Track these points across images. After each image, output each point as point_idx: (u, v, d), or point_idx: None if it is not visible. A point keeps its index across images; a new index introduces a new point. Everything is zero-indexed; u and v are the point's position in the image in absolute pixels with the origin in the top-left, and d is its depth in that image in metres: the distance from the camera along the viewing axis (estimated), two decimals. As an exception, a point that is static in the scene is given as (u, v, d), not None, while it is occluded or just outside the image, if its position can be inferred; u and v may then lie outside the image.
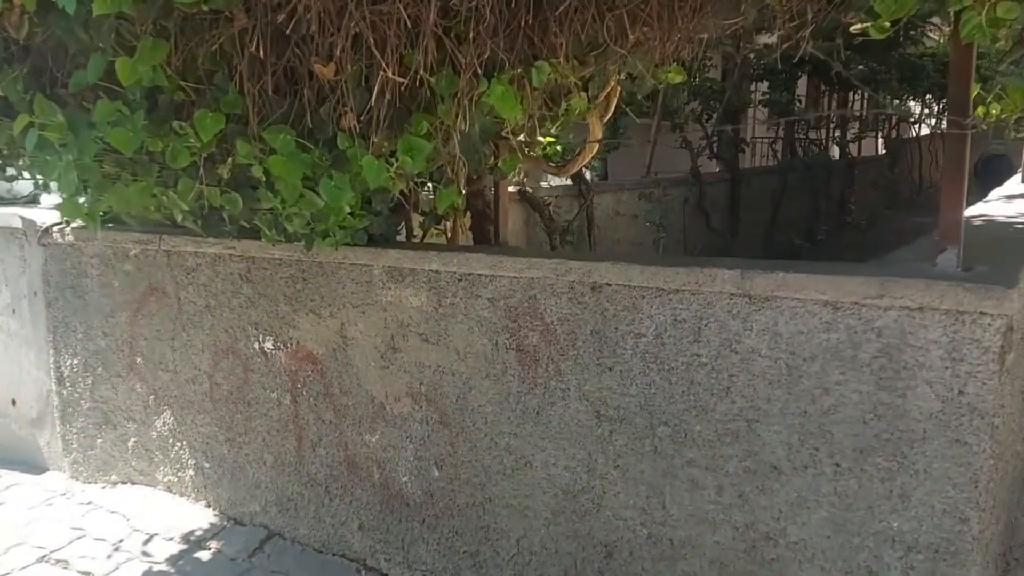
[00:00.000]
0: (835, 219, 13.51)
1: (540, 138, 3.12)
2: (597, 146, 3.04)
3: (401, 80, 2.21)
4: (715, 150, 10.38)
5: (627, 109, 8.34)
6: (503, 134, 2.77)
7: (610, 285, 2.70)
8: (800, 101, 13.12)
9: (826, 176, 12.97)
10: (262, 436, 3.59)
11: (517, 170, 3.28)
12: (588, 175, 8.83)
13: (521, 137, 3.36)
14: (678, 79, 2.67)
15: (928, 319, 2.23)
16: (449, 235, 3.59)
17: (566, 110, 2.72)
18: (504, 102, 2.26)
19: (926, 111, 18.66)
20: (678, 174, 9.64)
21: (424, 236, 3.64)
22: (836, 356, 2.35)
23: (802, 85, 14.16)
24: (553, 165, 3.24)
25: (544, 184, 7.54)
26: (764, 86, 12.02)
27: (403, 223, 3.42)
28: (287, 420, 3.50)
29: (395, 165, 2.35)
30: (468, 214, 3.55)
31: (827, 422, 2.38)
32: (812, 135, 13.64)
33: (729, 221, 10.19)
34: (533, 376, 2.88)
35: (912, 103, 18.19)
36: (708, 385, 2.56)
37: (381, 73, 2.19)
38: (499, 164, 2.92)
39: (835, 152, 14.25)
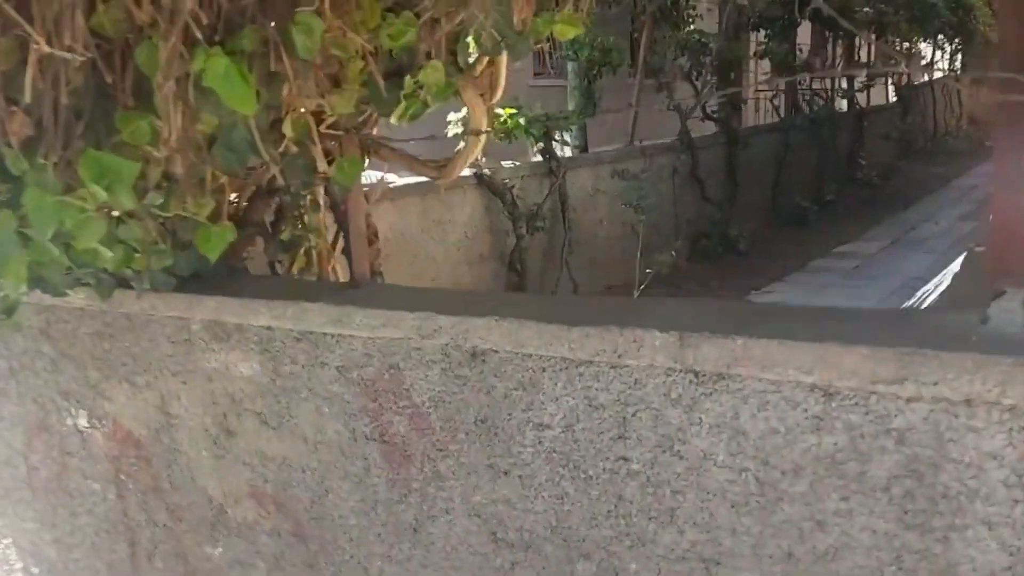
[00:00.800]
0: (844, 176, 12.52)
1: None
2: (484, 140, 2.14)
3: (71, 56, 1.31)
4: (707, 111, 9.37)
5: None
6: (338, 127, 1.85)
7: (496, 352, 1.81)
8: (801, 50, 12.09)
9: (833, 130, 11.96)
10: (90, 538, 2.74)
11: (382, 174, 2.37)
12: (566, 149, 7.84)
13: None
14: (571, 33, 1.74)
15: (981, 419, 1.34)
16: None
17: (417, 87, 1.78)
18: (229, 86, 1.33)
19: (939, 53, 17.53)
20: (667, 140, 8.65)
21: (290, 269, 2.74)
22: (834, 472, 1.47)
23: (804, 33, 13.11)
24: (430, 166, 2.33)
25: (507, 163, 6.59)
26: (762, 36, 10.97)
27: (243, 255, 2.52)
28: (115, 520, 2.64)
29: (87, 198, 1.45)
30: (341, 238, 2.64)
31: (826, 573, 1.50)
32: (816, 86, 12.62)
33: (726, 189, 9.20)
34: (405, 478, 2.01)
35: (923, 45, 17.05)
36: (643, 505, 1.68)
37: (34, 45, 1.29)
38: (335, 172, 1.98)
39: (842, 104, 13.16)
